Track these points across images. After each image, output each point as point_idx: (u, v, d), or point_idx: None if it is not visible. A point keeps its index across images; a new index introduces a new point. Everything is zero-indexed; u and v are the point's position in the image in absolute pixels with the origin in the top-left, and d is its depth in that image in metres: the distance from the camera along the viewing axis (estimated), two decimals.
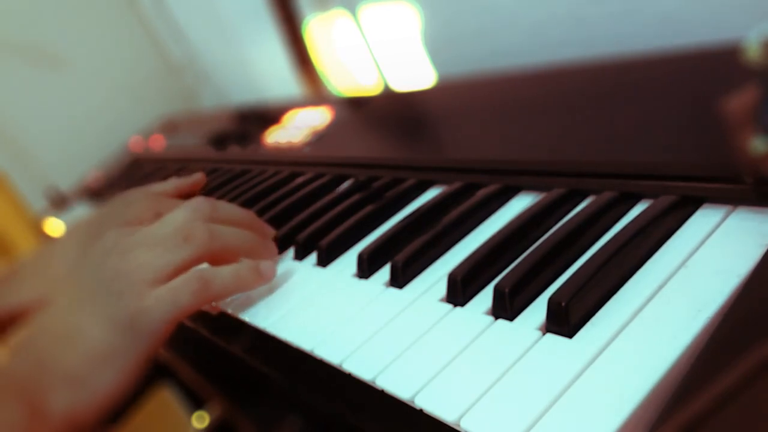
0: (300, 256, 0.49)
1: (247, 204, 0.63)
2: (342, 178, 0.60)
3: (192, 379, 0.94)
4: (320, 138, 0.70)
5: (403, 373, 0.32)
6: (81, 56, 1.34)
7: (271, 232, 0.51)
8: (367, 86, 1.00)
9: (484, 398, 0.28)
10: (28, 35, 1.29)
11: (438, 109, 0.63)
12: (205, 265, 0.44)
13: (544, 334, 0.31)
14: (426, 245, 0.41)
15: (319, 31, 1.01)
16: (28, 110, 1.29)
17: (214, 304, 0.45)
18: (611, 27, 0.63)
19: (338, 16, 0.96)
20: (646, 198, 0.38)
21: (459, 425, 0.28)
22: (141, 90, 1.42)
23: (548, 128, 0.47)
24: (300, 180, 0.64)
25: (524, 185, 0.45)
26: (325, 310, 0.41)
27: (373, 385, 0.33)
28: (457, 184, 0.48)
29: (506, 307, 0.33)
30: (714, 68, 0.42)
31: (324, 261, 0.47)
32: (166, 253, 0.42)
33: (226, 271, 0.42)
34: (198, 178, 0.65)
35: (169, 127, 1.20)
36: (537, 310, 0.33)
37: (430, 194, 0.51)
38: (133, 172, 1.05)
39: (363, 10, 0.90)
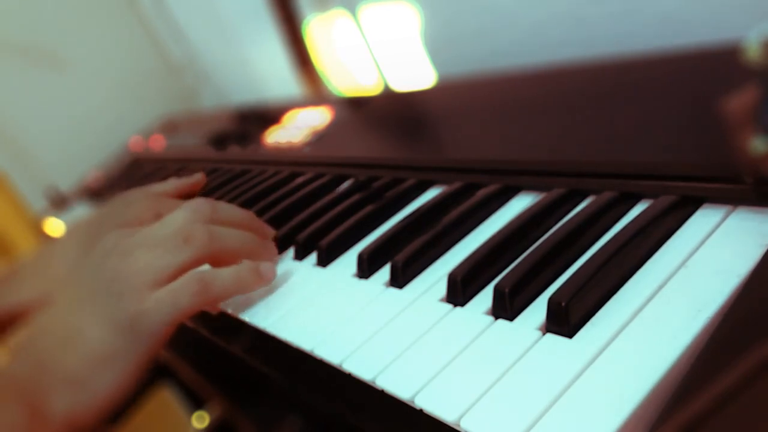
0: (300, 256, 0.49)
1: (247, 204, 0.63)
2: (342, 178, 0.60)
3: (192, 379, 0.94)
4: (320, 138, 0.70)
5: (403, 373, 0.32)
6: (81, 56, 1.34)
7: (271, 232, 0.51)
8: (367, 86, 1.00)
9: (484, 398, 0.28)
10: (28, 35, 1.29)
11: (438, 109, 0.63)
12: (206, 267, 0.44)
13: (544, 334, 0.31)
14: (426, 245, 0.41)
15: (319, 31, 1.01)
16: (28, 110, 1.29)
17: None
18: (611, 27, 0.63)
19: (338, 16, 0.96)
20: (646, 198, 0.38)
21: (459, 425, 0.28)
22: (141, 90, 1.42)
23: (548, 128, 0.47)
24: (300, 180, 0.64)
25: (524, 185, 0.45)
26: (325, 310, 0.41)
27: (373, 385, 0.33)
28: (457, 184, 0.48)
29: (506, 307, 0.33)
30: (714, 68, 0.42)
31: (324, 261, 0.47)
32: (166, 254, 0.42)
33: (226, 273, 0.42)
34: (198, 178, 0.65)
35: (169, 127, 1.20)
36: (537, 310, 0.33)
37: (430, 194, 0.51)
38: (133, 172, 1.05)
39: (363, 10, 0.90)
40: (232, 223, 0.47)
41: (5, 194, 1.25)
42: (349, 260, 0.46)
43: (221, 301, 0.43)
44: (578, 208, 0.40)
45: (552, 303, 0.30)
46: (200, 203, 0.46)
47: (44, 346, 0.40)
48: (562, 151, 0.44)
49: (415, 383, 0.31)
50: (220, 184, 0.73)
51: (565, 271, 0.35)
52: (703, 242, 0.32)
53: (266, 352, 0.45)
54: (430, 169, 0.52)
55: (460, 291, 0.36)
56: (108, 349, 0.39)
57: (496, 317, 0.33)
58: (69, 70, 1.33)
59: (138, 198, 0.59)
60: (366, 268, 0.43)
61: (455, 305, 0.36)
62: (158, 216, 0.56)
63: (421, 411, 0.30)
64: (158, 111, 1.38)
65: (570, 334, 0.30)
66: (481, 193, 0.45)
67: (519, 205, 0.44)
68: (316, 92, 1.04)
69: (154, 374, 1.00)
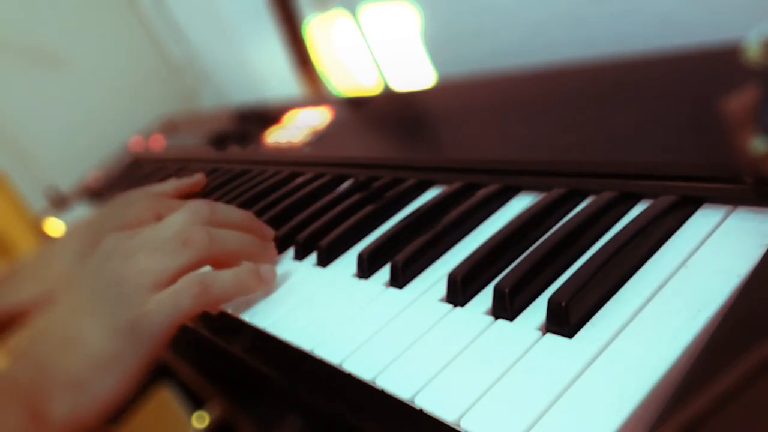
0: (300, 256, 0.49)
1: (247, 204, 0.63)
2: (342, 178, 0.60)
3: (192, 379, 0.94)
4: (320, 138, 0.70)
5: (403, 373, 0.32)
6: (81, 56, 1.34)
7: (270, 233, 0.51)
8: (367, 86, 1.00)
9: (484, 398, 0.28)
10: (28, 35, 1.29)
11: (438, 109, 0.63)
12: (207, 268, 0.44)
13: (544, 334, 0.31)
14: (426, 245, 0.41)
15: (319, 31, 1.01)
16: (28, 110, 1.29)
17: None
18: (611, 27, 0.63)
19: (338, 16, 0.96)
20: (646, 198, 0.38)
21: (459, 425, 0.28)
22: (141, 90, 1.42)
23: (548, 128, 0.47)
24: (300, 180, 0.64)
25: (524, 185, 0.45)
26: (325, 310, 0.41)
27: (373, 385, 0.33)
28: (457, 184, 0.48)
29: (506, 307, 0.33)
30: (714, 68, 0.42)
31: (324, 261, 0.47)
32: (165, 257, 0.42)
33: (226, 275, 0.43)
34: (198, 178, 0.65)
35: (169, 127, 1.20)
36: (537, 310, 0.33)
37: (430, 194, 0.51)
38: (133, 172, 1.05)
39: (363, 10, 0.90)
40: (232, 224, 0.47)
41: (5, 194, 1.25)
42: (349, 260, 0.46)
43: (221, 303, 0.43)
44: (578, 208, 0.40)
45: (552, 303, 0.30)
46: (199, 205, 0.46)
47: (45, 349, 0.40)
48: (562, 151, 0.44)
49: (415, 383, 0.31)
50: (220, 184, 0.73)
51: (565, 271, 0.35)
52: (703, 242, 0.32)
53: (266, 352, 0.45)
54: (430, 169, 0.52)
55: (460, 291, 0.36)
56: (109, 351, 0.39)
57: (496, 317, 0.33)
58: (69, 71, 1.33)
59: (138, 198, 0.59)
60: (366, 268, 0.43)
61: (455, 305, 0.36)
62: (158, 216, 0.57)
63: (421, 411, 0.30)
64: (158, 111, 1.38)
65: (570, 334, 0.30)
66: (481, 193, 0.45)
67: (519, 205, 0.44)
68: (316, 92, 1.04)
69: (154, 374, 1.00)
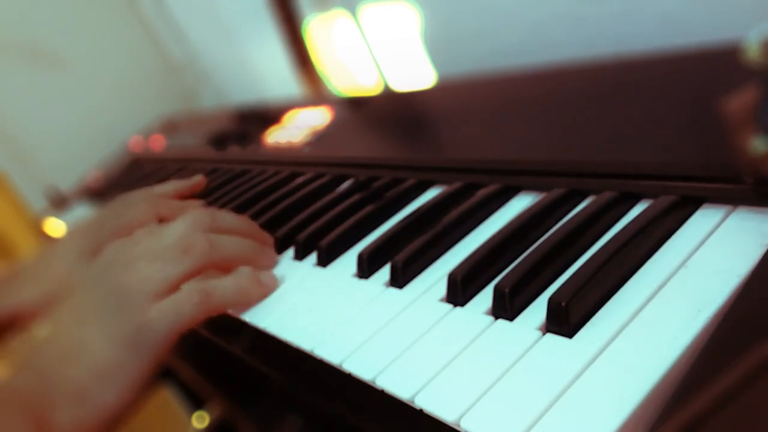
0: (300, 256, 0.49)
1: (247, 204, 0.63)
2: (342, 178, 0.60)
3: (192, 379, 0.94)
4: (320, 138, 0.70)
5: (403, 373, 0.32)
6: (81, 56, 1.34)
7: (270, 239, 0.52)
8: (367, 86, 1.00)
9: (484, 398, 0.28)
10: (28, 35, 1.29)
11: (438, 109, 0.63)
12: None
13: (544, 334, 0.31)
14: (426, 245, 0.41)
15: (319, 31, 1.01)
16: (28, 110, 1.29)
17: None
18: (611, 27, 0.63)
19: (338, 16, 0.96)
20: (646, 198, 0.38)
21: (459, 425, 0.28)
22: (141, 90, 1.42)
23: (548, 128, 0.47)
24: (300, 180, 0.64)
25: (524, 185, 0.45)
26: (325, 310, 0.41)
27: (373, 385, 0.33)
28: (457, 184, 0.48)
29: (506, 307, 0.33)
30: (714, 68, 0.42)
31: (324, 261, 0.47)
32: (166, 265, 0.42)
33: (227, 283, 0.43)
34: (198, 180, 0.65)
35: (169, 127, 1.20)
36: (537, 310, 0.33)
37: (430, 194, 0.51)
38: (133, 172, 1.05)
39: (363, 10, 0.90)
40: (232, 231, 0.47)
41: (5, 194, 1.25)
42: (349, 260, 0.46)
43: (223, 310, 0.43)
44: (578, 208, 0.40)
45: (552, 303, 0.30)
46: (200, 213, 0.46)
47: (48, 359, 0.41)
48: (562, 151, 0.44)
49: (415, 383, 0.31)
50: (220, 184, 0.73)
51: (565, 271, 0.35)
52: (703, 242, 0.32)
53: (266, 352, 0.45)
54: (430, 169, 0.52)
55: (460, 291, 0.36)
56: (111, 361, 0.39)
57: (496, 317, 0.33)
58: (69, 70, 1.33)
59: (138, 199, 0.59)
60: (366, 268, 0.43)
61: (455, 305, 0.36)
62: (158, 217, 0.57)
63: (421, 411, 0.30)
64: (158, 111, 1.38)
65: (570, 334, 0.30)
66: (481, 193, 0.45)
67: (519, 205, 0.44)
68: (316, 92, 1.04)
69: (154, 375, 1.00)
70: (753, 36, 0.26)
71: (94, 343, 0.40)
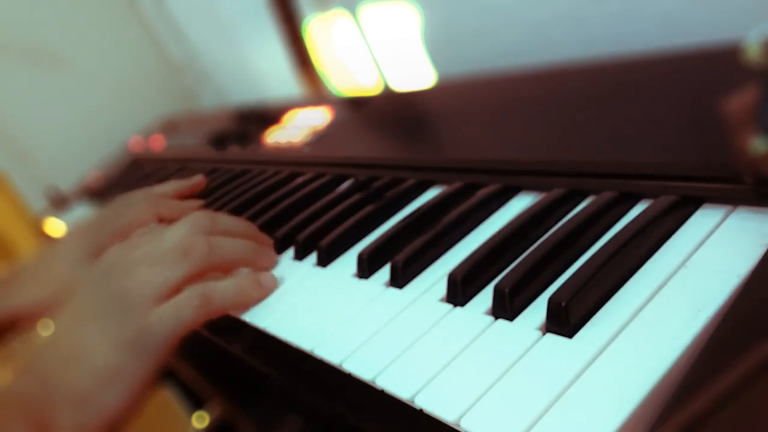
0: (300, 256, 0.49)
1: (247, 204, 0.63)
2: (342, 178, 0.60)
3: (192, 379, 0.94)
4: (320, 138, 0.70)
5: (403, 373, 0.32)
6: (81, 56, 1.34)
7: (270, 242, 0.52)
8: (367, 86, 1.00)
9: (484, 398, 0.28)
10: (28, 35, 1.29)
11: (438, 109, 0.63)
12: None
13: (544, 334, 0.31)
14: (426, 245, 0.41)
15: (319, 31, 1.01)
16: (28, 110, 1.29)
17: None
18: (611, 27, 0.63)
19: (338, 16, 0.96)
20: (646, 198, 0.38)
21: (459, 425, 0.28)
22: (141, 90, 1.42)
23: (548, 128, 0.47)
24: (300, 180, 0.64)
25: (524, 185, 0.45)
26: (325, 310, 0.41)
27: (373, 385, 0.33)
28: (457, 184, 0.48)
29: (506, 307, 0.33)
30: (714, 68, 0.42)
31: (324, 261, 0.47)
32: (166, 269, 0.42)
33: (226, 285, 0.43)
34: (198, 180, 0.65)
35: (169, 127, 1.20)
36: (537, 310, 0.33)
37: (430, 194, 0.51)
38: (133, 172, 1.05)
39: (363, 10, 0.90)
40: (232, 233, 0.47)
41: (5, 194, 1.25)
42: (349, 260, 0.46)
43: (224, 313, 0.44)
44: (578, 208, 0.40)
45: (552, 303, 0.30)
46: (199, 216, 0.47)
47: (49, 363, 0.41)
48: (562, 151, 0.44)
49: (415, 383, 0.31)
50: (220, 184, 0.73)
51: (565, 271, 0.35)
52: (703, 242, 0.32)
53: (266, 352, 0.45)
54: (430, 169, 0.52)
55: (460, 291, 0.36)
56: (113, 366, 0.40)
57: (496, 317, 0.33)
58: (69, 71, 1.33)
59: (138, 200, 0.59)
60: (366, 268, 0.43)
61: (455, 305, 0.36)
62: (158, 217, 0.57)
63: (421, 411, 0.30)
64: (158, 111, 1.38)
65: (570, 334, 0.30)
66: (481, 193, 0.45)
67: (519, 205, 0.44)
68: (316, 92, 1.04)
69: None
70: (753, 36, 0.26)
71: (95, 347, 0.40)
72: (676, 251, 0.32)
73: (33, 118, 1.29)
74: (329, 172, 0.62)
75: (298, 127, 0.77)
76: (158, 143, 1.12)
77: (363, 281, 0.42)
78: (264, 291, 0.45)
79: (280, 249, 0.52)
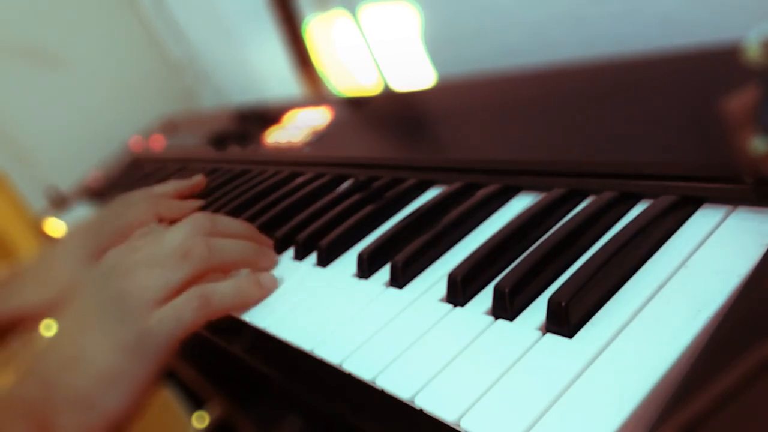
0: (300, 256, 0.49)
1: (247, 204, 0.63)
2: (342, 178, 0.60)
3: (192, 379, 0.94)
4: (320, 138, 0.70)
5: (403, 373, 0.32)
6: (81, 56, 1.34)
7: (270, 243, 0.52)
8: (367, 86, 1.00)
9: (484, 398, 0.28)
10: (28, 35, 1.29)
11: (438, 109, 0.63)
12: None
13: (544, 334, 0.31)
14: (426, 245, 0.41)
15: (319, 31, 1.01)
16: (28, 110, 1.29)
17: None
18: (611, 27, 0.63)
19: (338, 16, 0.96)
20: (646, 198, 0.38)
21: (459, 425, 0.28)
22: (141, 90, 1.42)
23: (548, 128, 0.47)
24: (300, 180, 0.64)
25: (524, 185, 0.45)
26: (325, 310, 0.41)
27: (373, 385, 0.33)
28: (457, 184, 0.48)
29: (506, 307, 0.33)
30: (714, 68, 0.42)
31: (324, 261, 0.47)
32: (165, 271, 0.42)
33: (226, 286, 0.43)
34: (198, 180, 0.65)
35: (169, 127, 1.20)
36: (537, 310, 0.33)
37: (430, 194, 0.51)
38: (133, 172, 1.05)
39: (363, 10, 0.90)
40: (231, 234, 0.47)
41: (5, 194, 1.25)
42: (349, 260, 0.46)
43: (224, 314, 0.44)
44: (578, 208, 0.40)
45: (552, 303, 0.30)
46: (199, 218, 0.47)
47: (51, 366, 0.41)
48: (562, 151, 0.44)
49: (415, 383, 0.31)
50: (220, 184, 0.73)
51: (565, 271, 0.35)
52: (703, 242, 0.32)
53: (266, 352, 0.45)
54: (430, 169, 0.52)
55: (460, 291, 0.36)
56: (114, 368, 0.40)
57: (496, 317, 0.33)
58: (69, 70, 1.33)
59: (138, 200, 0.59)
60: (366, 268, 0.43)
61: (455, 305, 0.36)
62: (158, 217, 0.57)
63: (421, 411, 0.30)
64: (158, 111, 1.38)
65: (570, 334, 0.30)
66: (481, 193, 0.45)
67: (519, 205, 0.44)
68: (316, 92, 1.04)
69: None
70: (753, 36, 0.26)
71: (96, 350, 0.40)
72: (676, 251, 0.32)
73: (33, 118, 1.29)
74: (329, 172, 0.62)
75: (298, 127, 0.77)
76: (158, 143, 1.12)
77: (363, 281, 0.42)
78: (264, 291, 0.45)
79: (280, 249, 0.52)
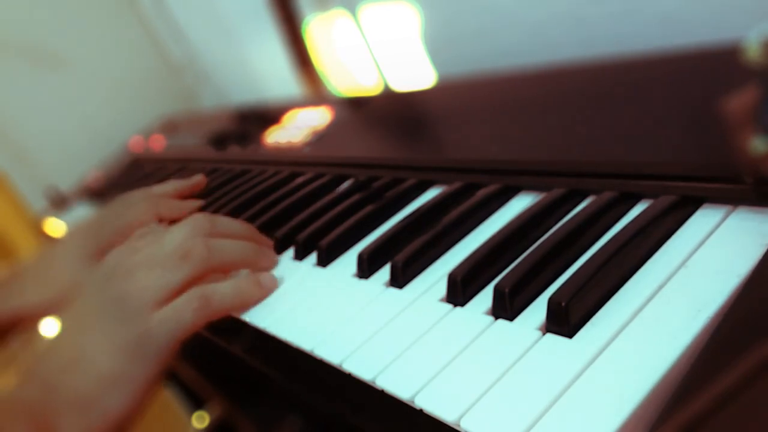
0: (300, 256, 0.49)
1: (247, 204, 0.63)
2: (342, 178, 0.60)
3: (192, 379, 0.94)
4: (320, 138, 0.70)
5: (403, 373, 0.32)
6: (81, 56, 1.34)
7: (270, 243, 0.52)
8: (367, 86, 1.00)
9: (484, 398, 0.28)
10: (29, 35, 1.29)
11: (438, 109, 0.63)
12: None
13: (544, 334, 0.31)
14: (426, 245, 0.41)
15: (319, 31, 1.01)
16: (28, 110, 1.29)
17: None
18: (611, 27, 0.63)
19: (338, 16, 0.96)
20: (646, 198, 0.38)
21: (459, 425, 0.28)
22: (141, 90, 1.42)
23: (548, 128, 0.47)
24: (300, 180, 0.64)
25: (524, 185, 0.45)
26: (325, 310, 0.41)
27: (373, 385, 0.33)
28: (457, 184, 0.48)
29: (506, 307, 0.33)
30: (714, 68, 0.42)
31: (324, 261, 0.47)
32: (165, 273, 0.42)
33: (226, 286, 0.43)
34: (198, 179, 0.65)
35: (169, 127, 1.20)
36: (537, 310, 0.33)
37: (430, 194, 0.51)
38: (133, 172, 1.05)
39: (363, 10, 0.90)
40: (231, 235, 0.47)
41: (5, 194, 1.25)
42: (349, 260, 0.46)
43: (224, 314, 0.44)
44: (578, 208, 0.40)
45: (552, 303, 0.30)
46: (199, 219, 0.47)
47: (53, 369, 0.41)
48: (562, 151, 0.44)
49: (415, 383, 0.31)
50: (220, 184, 0.73)
51: (565, 271, 0.35)
52: (703, 242, 0.32)
53: (266, 352, 0.45)
54: (430, 169, 0.52)
55: (460, 291, 0.36)
56: (115, 370, 0.40)
57: (496, 317, 0.33)
58: (69, 71, 1.33)
59: (138, 199, 0.59)
60: (366, 268, 0.43)
61: (455, 305, 0.36)
62: (158, 217, 0.57)
63: (421, 411, 0.30)
64: (158, 111, 1.38)
65: (570, 334, 0.30)
66: (481, 193, 0.45)
67: (519, 205, 0.44)
68: (316, 92, 1.04)
69: None
70: (753, 36, 0.26)
71: (96, 352, 0.40)
72: (676, 251, 0.32)
73: (33, 118, 1.29)
74: (329, 172, 0.62)
75: (298, 127, 0.77)
76: (158, 143, 1.12)
77: (363, 281, 0.42)
78: (264, 291, 0.45)
79: (280, 249, 0.52)
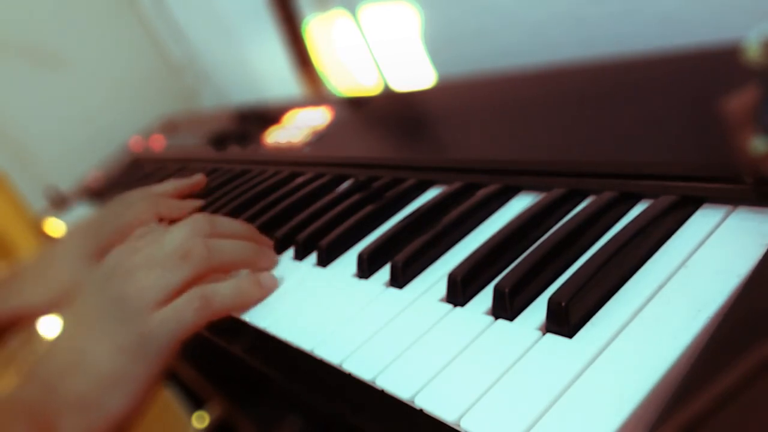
0: (300, 256, 0.49)
1: (247, 204, 0.63)
2: (342, 178, 0.60)
3: (192, 379, 0.94)
4: (320, 138, 0.70)
5: (403, 373, 0.32)
6: (81, 56, 1.34)
7: (270, 243, 0.52)
8: (367, 86, 1.00)
9: (484, 398, 0.28)
10: (29, 35, 1.29)
11: (438, 109, 0.63)
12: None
13: (544, 334, 0.31)
14: (426, 245, 0.41)
15: (319, 31, 1.01)
16: (28, 110, 1.29)
17: None
18: (611, 27, 0.63)
19: (338, 16, 0.96)
20: (646, 198, 0.38)
21: (459, 425, 0.28)
22: (141, 90, 1.42)
23: (548, 128, 0.47)
24: (300, 180, 0.64)
25: (524, 185, 0.45)
26: (325, 310, 0.41)
27: (373, 385, 0.33)
28: (457, 184, 0.48)
29: (506, 307, 0.33)
30: (714, 68, 0.42)
31: (324, 261, 0.47)
32: (165, 273, 0.42)
33: (226, 286, 0.43)
34: (198, 179, 0.65)
35: (169, 127, 1.20)
36: (537, 310, 0.33)
37: (430, 194, 0.51)
38: (133, 172, 1.05)
39: (363, 10, 0.90)
40: (231, 235, 0.47)
41: (5, 194, 1.25)
42: (349, 260, 0.46)
43: (224, 314, 0.44)
44: (578, 208, 0.40)
45: (552, 303, 0.30)
46: (199, 219, 0.47)
47: (53, 370, 0.41)
48: (562, 151, 0.44)
49: (415, 383, 0.31)
50: (220, 184, 0.73)
51: (565, 271, 0.35)
52: (703, 242, 0.32)
53: (266, 352, 0.45)
54: (430, 169, 0.52)
55: (460, 291, 0.36)
56: (116, 370, 0.40)
57: (496, 317, 0.33)
58: (69, 71, 1.33)
59: (137, 199, 0.59)
60: (366, 268, 0.43)
61: (455, 305, 0.36)
62: (158, 217, 0.57)
63: (421, 411, 0.30)
64: (158, 111, 1.38)
65: (570, 334, 0.30)
66: (481, 193, 0.45)
67: (519, 205, 0.44)
68: (316, 92, 1.04)
69: None
70: (753, 36, 0.26)
71: (97, 352, 0.40)
72: (676, 251, 0.32)
73: (33, 118, 1.30)
74: (329, 172, 0.62)
75: (298, 127, 0.77)
76: (158, 143, 1.12)
77: (363, 281, 0.42)
78: (264, 291, 0.45)
79: (280, 249, 0.52)
